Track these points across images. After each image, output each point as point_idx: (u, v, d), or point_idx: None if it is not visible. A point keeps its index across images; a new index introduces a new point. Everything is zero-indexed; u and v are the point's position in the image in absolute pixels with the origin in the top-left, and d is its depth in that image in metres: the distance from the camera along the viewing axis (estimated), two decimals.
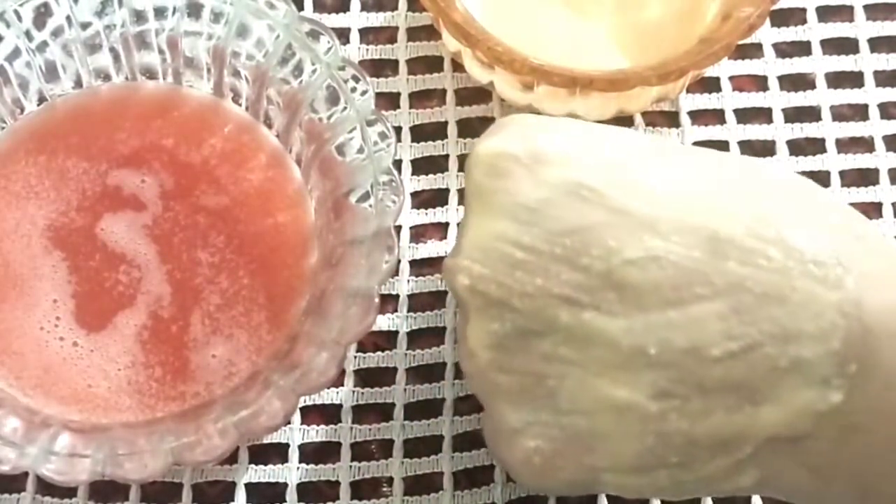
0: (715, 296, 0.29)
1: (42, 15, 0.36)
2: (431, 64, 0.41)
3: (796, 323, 0.29)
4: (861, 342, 0.29)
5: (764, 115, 0.40)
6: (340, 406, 0.36)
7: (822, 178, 0.40)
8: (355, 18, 0.41)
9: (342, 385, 0.37)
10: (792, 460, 0.30)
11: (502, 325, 0.30)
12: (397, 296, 0.38)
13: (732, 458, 0.30)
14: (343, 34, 0.41)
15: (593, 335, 0.29)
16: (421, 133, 0.40)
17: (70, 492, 0.35)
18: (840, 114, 0.41)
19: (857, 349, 0.29)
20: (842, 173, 0.40)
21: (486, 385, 0.31)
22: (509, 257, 0.30)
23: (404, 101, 0.40)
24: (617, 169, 0.30)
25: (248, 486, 0.36)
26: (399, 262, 0.38)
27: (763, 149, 0.40)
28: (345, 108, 0.34)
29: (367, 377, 0.37)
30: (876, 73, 0.41)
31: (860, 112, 0.41)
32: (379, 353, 0.37)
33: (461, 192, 0.39)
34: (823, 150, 0.40)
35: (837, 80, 0.41)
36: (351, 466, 0.36)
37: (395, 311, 0.37)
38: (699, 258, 0.29)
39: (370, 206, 0.33)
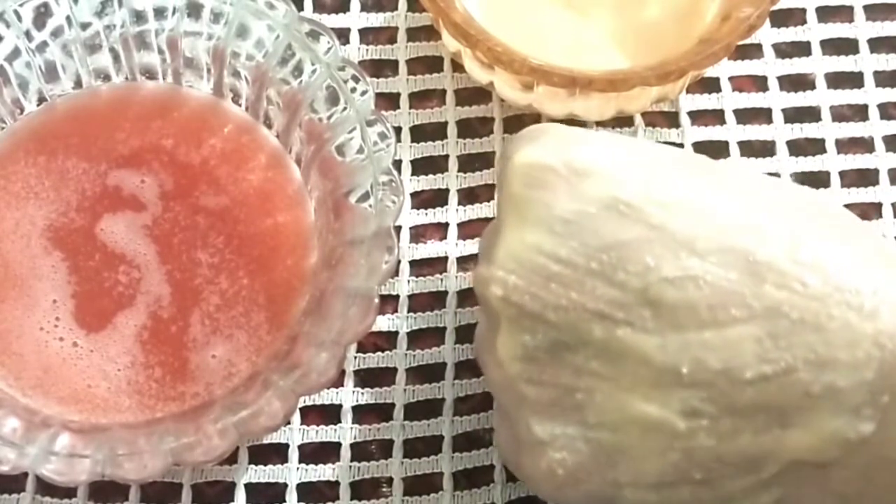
0: (751, 319, 0.29)
1: (42, 15, 0.36)
2: (431, 64, 0.41)
3: (831, 351, 0.29)
4: (895, 374, 0.29)
5: (764, 115, 0.40)
6: (340, 406, 0.36)
7: (821, 178, 0.40)
8: (355, 19, 0.41)
9: (342, 385, 0.37)
10: (816, 485, 0.30)
11: (534, 337, 0.30)
12: (397, 296, 0.38)
13: (756, 478, 0.30)
14: (343, 34, 0.41)
15: (626, 351, 0.29)
16: (421, 133, 0.40)
17: (70, 492, 0.35)
18: (840, 114, 0.41)
19: (891, 381, 0.29)
20: (842, 174, 0.40)
21: (512, 396, 0.31)
22: (544, 269, 0.30)
23: (404, 102, 0.40)
24: (655, 185, 0.30)
25: (248, 486, 0.35)
26: (399, 262, 0.38)
27: (763, 149, 0.40)
28: (345, 108, 0.34)
29: (366, 377, 0.37)
30: (876, 73, 0.41)
31: (860, 112, 0.41)
32: (379, 353, 0.37)
33: (461, 192, 0.39)
34: (823, 151, 0.40)
35: (837, 80, 0.41)
36: (350, 467, 0.36)
37: (395, 311, 0.37)
38: (736, 280, 0.29)
39: (370, 206, 0.33)
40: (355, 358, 0.37)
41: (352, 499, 0.35)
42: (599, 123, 0.40)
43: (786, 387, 0.29)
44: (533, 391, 0.30)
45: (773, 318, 0.29)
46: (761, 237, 0.30)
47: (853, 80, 0.41)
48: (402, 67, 0.41)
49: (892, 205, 0.39)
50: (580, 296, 0.29)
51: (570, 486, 0.30)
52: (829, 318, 0.29)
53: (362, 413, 0.36)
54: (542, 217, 0.30)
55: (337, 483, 0.36)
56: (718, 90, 0.41)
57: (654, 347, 0.29)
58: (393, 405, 0.36)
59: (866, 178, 0.40)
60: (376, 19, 0.41)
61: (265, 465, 0.36)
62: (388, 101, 0.40)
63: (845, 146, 0.40)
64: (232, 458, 0.35)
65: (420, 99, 0.40)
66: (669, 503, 0.30)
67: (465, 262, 0.38)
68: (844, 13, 0.42)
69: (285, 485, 0.36)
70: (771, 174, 0.39)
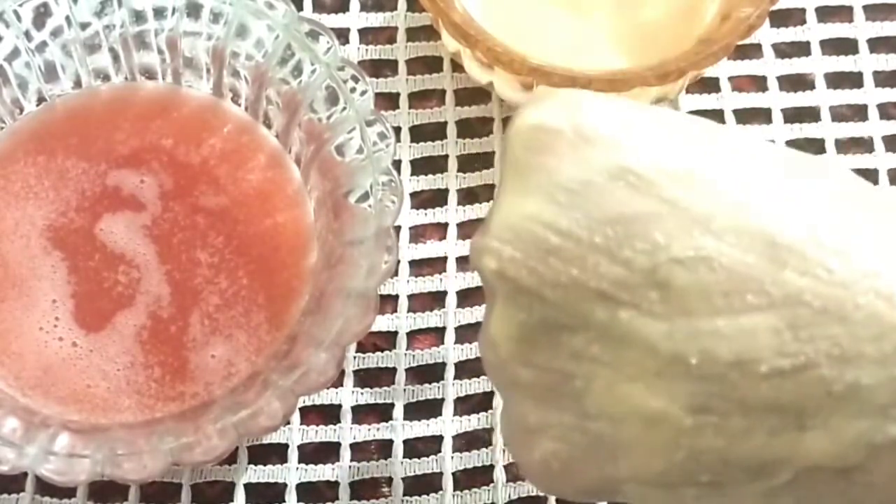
0: (769, 307, 0.26)
1: (41, 15, 0.36)
2: (431, 64, 0.41)
3: (856, 344, 0.26)
4: None
5: (763, 115, 0.40)
6: (340, 406, 0.36)
7: None
8: (355, 19, 0.41)
9: (342, 385, 0.37)
10: (835, 492, 0.27)
11: (530, 315, 0.27)
12: (396, 296, 0.38)
13: (768, 484, 0.27)
14: (342, 34, 0.41)
15: (629, 336, 0.27)
16: (420, 133, 0.40)
17: (69, 492, 0.35)
18: (839, 114, 0.41)
19: None
20: None
21: (506, 378, 0.28)
22: (543, 242, 0.27)
23: (403, 102, 0.40)
24: (670, 156, 0.27)
25: (248, 486, 0.35)
26: (398, 262, 0.38)
27: None
28: (344, 108, 0.34)
29: (366, 377, 0.37)
30: (875, 73, 0.41)
31: (859, 112, 0.41)
32: (378, 353, 0.37)
33: (460, 192, 0.39)
34: (823, 151, 0.40)
35: (837, 80, 0.41)
36: (350, 467, 0.36)
37: (395, 311, 0.37)
38: (754, 264, 0.26)
39: (369, 206, 0.33)
40: (355, 358, 0.37)
41: (351, 499, 0.35)
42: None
43: (805, 384, 0.26)
44: (527, 374, 0.28)
45: (793, 307, 0.26)
46: (784, 218, 0.27)
47: (853, 80, 0.41)
48: (402, 67, 0.41)
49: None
50: (581, 273, 0.27)
51: (566, 479, 0.28)
52: (855, 308, 0.26)
53: (362, 413, 0.36)
54: (544, 184, 0.27)
55: (337, 483, 0.36)
56: (718, 90, 0.41)
57: (661, 334, 0.26)
58: (393, 405, 0.36)
59: (866, 178, 0.39)
60: (376, 19, 0.41)
61: (265, 465, 0.36)
62: (388, 101, 0.40)
63: (845, 146, 0.40)
64: (231, 458, 0.35)
65: (419, 99, 0.40)
66: (673, 502, 0.28)
67: (464, 261, 0.38)
68: (844, 13, 0.42)
69: (285, 485, 0.36)
70: None
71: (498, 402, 0.36)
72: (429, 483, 0.36)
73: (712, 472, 0.27)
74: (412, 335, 0.37)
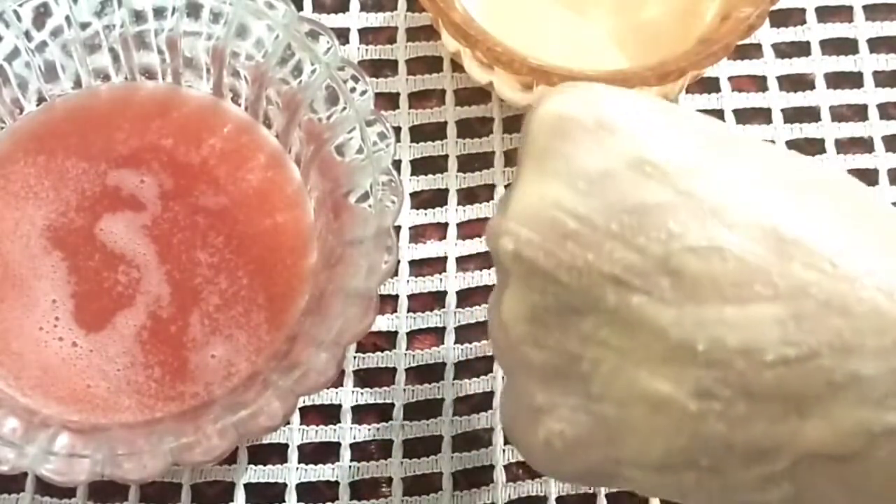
0: (776, 298, 0.27)
1: (41, 15, 0.36)
2: (431, 64, 0.41)
3: (858, 337, 0.27)
4: None
5: (763, 115, 0.40)
6: (340, 406, 0.36)
7: None
8: (354, 19, 0.41)
9: (341, 385, 0.37)
10: (833, 479, 0.28)
11: (543, 297, 0.28)
12: (396, 296, 0.38)
13: (767, 470, 0.28)
14: (342, 34, 0.41)
15: (639, 322, 0.27)
16: (420, 133, 0.40)
17: (69, 492, 0.35)
18: (839, 114, 0.41)
19: None
20: None
21: (514, 358, 0.29)
22: (561, 226, 0.28)
23: (403, 102, 0.40)
24: (685, 150, 0.28)
25: (248, 486, 0.36)
26: (398, 262, 0.38)
27: None
28: (344, 108, 0.34)
29: (366, 377, 0.37)
30: (875, 73, 0.41)
31: (859, 112, 0.41)
32: (378, 353, 0.37)
33: (460, 192, 0.39)
34: (823, 151, 0.40)
35: (837, 80, 0.41)
36: (350, 466, 0.36)
37: (395, 311, 0.37)
38: (763, 255, 0.27)
39: (369, 206, 0.33)
40: (355, 358, 0.37)
41: (351, 499, 0.35)
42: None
43: (807, 373, 0.27)
44: (537, 355, 0.28)
45: (798, 299, 0.27)
46: (792, 214, 0.28)
47: (853, 80, 0.41)
48: (402, 67, 0.41)
49: (893, 205, 0.39)
50: (596, 258, 0.27)
51: (567, 460, 0.29)
52: (857, 302, 0.27)
53: (362, 413, 0.36)
54: (563, 171, 0.28)
55: (336, 483, 0.36)
56: (718, 90, 0.41)
57: (670, 320, 0.27)
58: (392, 405, 0.36)
59: (866, 178, 0.40)
60: (376, 19, 0.41)
61: (265, 465, 0.36)
62: (388, 101, 0.40)
63: (845, 146, 0.40)
64: (231, 458, 0.35)
65: (419, 99, 0.40)
66: (672, 488, 0.29)
67: (464, 261, 0.38)
68: (844, 13, 0.42)
69: (285, 485, 0.36)
70: None
71: (498, 402, 0.36)
72: (428, 483, 0.36)
73: (713, 457, 0.28)
74: (412, 335, 0.37)
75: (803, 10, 0.42)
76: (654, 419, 0.28)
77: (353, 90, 0.34)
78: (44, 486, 0.35)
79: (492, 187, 0.39)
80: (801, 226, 0.28)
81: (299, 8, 0.41)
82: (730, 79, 0.41)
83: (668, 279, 0.27)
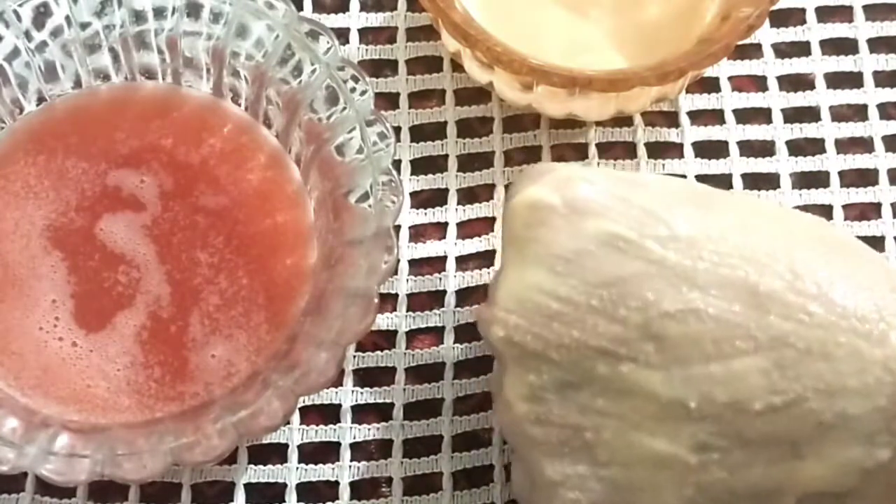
0: (757, 350, 0.29)
1: (41, 15, 0.36)
2: (431, 64, 0.41)
3: (840, 379, 0.29)
4: None
5: (763, 115, 0.40)
6: (340, 406, 0.36)
7: (821, 178, 0.40)
8: (354, 18, 0.41)
9: (341, 385, 0.37)
10: None
11: (539, 376, 0.30)
12: (396, 295, 0.38)
13: None
14: (342, 34, 0.41)
15: (631, 387, 0.29)
16: (420, 133, 0.40)
17: (69, 492, 0.35)
18: (839, 114, 0.41)
19: None
20: (841, 174, 0.40)
21: (522, 437, 0.30)
22: (545, 308, 0.30)
23: (403, 102, 0.40)
24: (653, 219, 0.30)
25: (248, 486, 0.35)
26: (398, 261, 0.38)
27: (762, 149, 0.40)
28: (344, 108, 0.34)
29: (366, 377, 0.37)
30: (875, 73, 0.41)
31: (859, 112, 0.41)
32: (378, 352, 0.37)
33: (460, 192, 0.39)
34: (823, 151, 0.40)
35: (837, 80, 0.41)
36: (350, 466, 0.36)
37: (395, 310, 0.37)
38: (740, 311, 0.29)
39: (369, 206, 0.33)
40: (354, 357, 0.37)
41: (351, 499, 0.35)
42: (599, 123, 0.40)
43: (796, 417, 0.29)
44: (541, 432, 0.30)
45: (779, 349, 0.29)
46: (763, 268, 0.30)
47: (853, 80, 0.41)
48: (402, 67, 0.41)
49: (892, 205, 0.39)
50: (582, 333, 0.29)
51: None
52: (836, 346, 0.29)
53: (362, 413, 0.36)
54: (542, 256, 0.30)
55: (336, 483, 0.36)
56: (718, 90, 0.41)
57: (660, 382, 0.29)
58: (392, 405, 0.36)
59: (866, 178, 0.40)
60: (376, 19, 0.41)
61: (265, 464, 0.36)
62: (388, 100, 0.40)
63: (845, 146, 0.40)
64: (231, 458, 0.35)
65: (419, 99, 0.40)
66: None
67: (464, 261, 0.38)
68: (844, 13, 0.42)
69: (285, 485, 0.36)
70: (770, 174, 0.39)
71: (497, 403, 0.36)
72: (428, 483, 0.36)
73: (719, 502, 0.29)
74: (412, 335, 0.37)
75: (803, 10, 0.42)
76: (660, 476, 0.29)
77: (353, 90, 0.34)
78: (44, 486, 0.35)
79: (491, 187, 0.39)
80: (773, 278, 0.29)
81: (299, 8, 0.41)
82: (730, 79, 0.41)
83: (652, 344, 0.29)
